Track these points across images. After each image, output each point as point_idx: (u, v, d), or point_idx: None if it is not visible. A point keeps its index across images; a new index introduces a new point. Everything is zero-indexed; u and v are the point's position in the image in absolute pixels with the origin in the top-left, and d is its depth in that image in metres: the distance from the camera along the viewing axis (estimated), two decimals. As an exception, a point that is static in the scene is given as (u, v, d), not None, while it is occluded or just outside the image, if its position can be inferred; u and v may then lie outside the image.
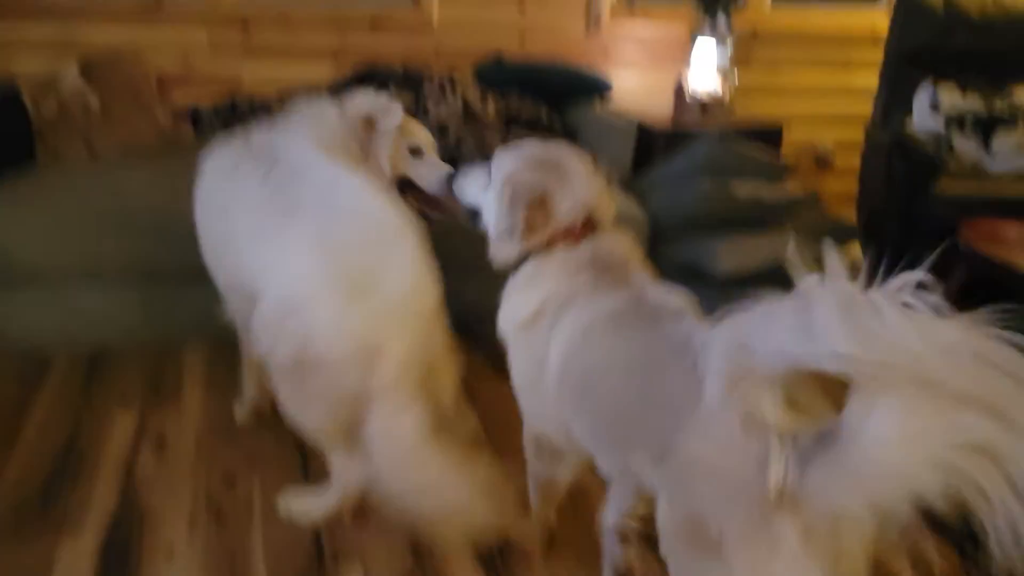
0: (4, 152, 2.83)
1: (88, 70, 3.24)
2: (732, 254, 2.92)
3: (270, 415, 2.39)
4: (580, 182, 1.59)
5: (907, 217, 3.34)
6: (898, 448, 0.92)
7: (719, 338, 1.08)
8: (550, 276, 1.58)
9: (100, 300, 2.67)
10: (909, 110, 3.75)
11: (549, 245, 1.59)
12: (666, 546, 1.24)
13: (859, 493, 0.98)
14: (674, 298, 1.49)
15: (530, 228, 1.58)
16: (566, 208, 1.58)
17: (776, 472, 1.02)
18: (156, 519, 1.95)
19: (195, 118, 3.43)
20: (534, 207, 1.58)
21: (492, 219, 1.66)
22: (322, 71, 3.61)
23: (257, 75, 3.63)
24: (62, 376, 2.53)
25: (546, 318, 1.56)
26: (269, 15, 3.58)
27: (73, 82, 3.15)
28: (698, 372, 1.17)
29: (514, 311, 1.65)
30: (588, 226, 1.59)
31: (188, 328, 2.76)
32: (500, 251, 1.66)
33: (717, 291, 2.96)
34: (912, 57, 3.80)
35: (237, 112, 3.44)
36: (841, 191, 4.34)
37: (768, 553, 1.06)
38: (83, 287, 2.65)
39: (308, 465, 2.19)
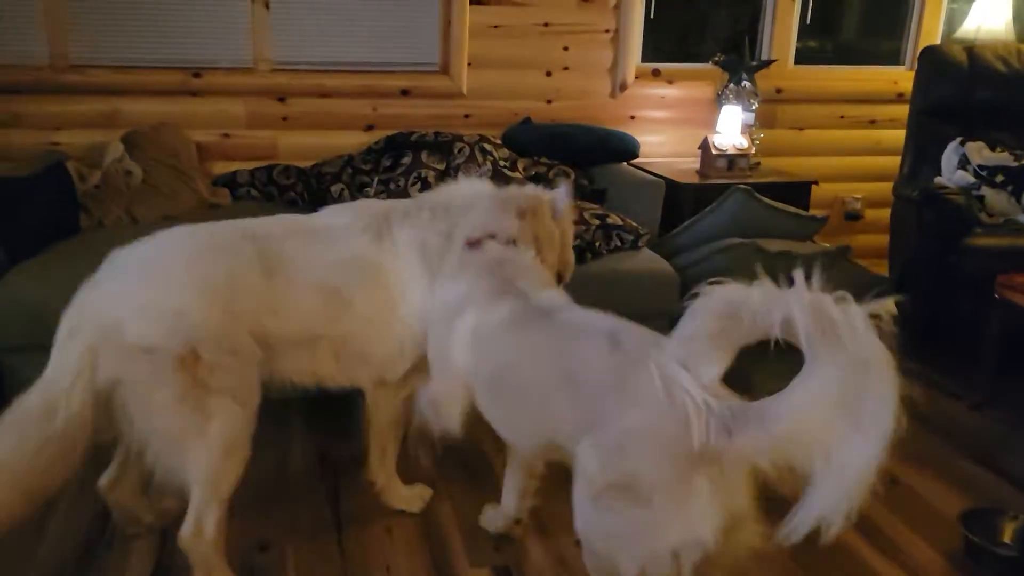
0: (50, 221, 2.92)
1: (131, 141, 3.36)
2: (764, 310, 2.91)
3: (304, 480, 2.40)
4: (487, 213, 2.01)
5: (940, 270, 3.31)
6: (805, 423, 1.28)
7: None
8: (453, 274, 1.95)
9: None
10: (937, 165, 3.75)
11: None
12: (594, 503, 1.49)
13: (771, 452, 1.32)
14: (556, 296, 1.82)
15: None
16: (469, 227, 2.01)
17: (698, 432, 1.33)
18: (191, 583, 1.96)
19: (233, 185, 3.53)
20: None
21: None
22: (356, 138, 3.72)
23: (293, 143, 3.74)
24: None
25: (447, 316, 1.87)
26: (304, 87, 3.70)
27: (116, 154, 3.27)
28: (620, 353, 1.50)
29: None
30: (482, 240, 1.96)
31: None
32: None
33: (751, 345, 2.94)
34: (938, 112, 3.82)
35: (273, 179, 3.54)
36: (872, 245, 4.32)
37: (686, 498, 1.37)
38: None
39: (342, 530, 2.19)
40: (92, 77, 3.50)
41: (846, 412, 1.26)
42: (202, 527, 1.82)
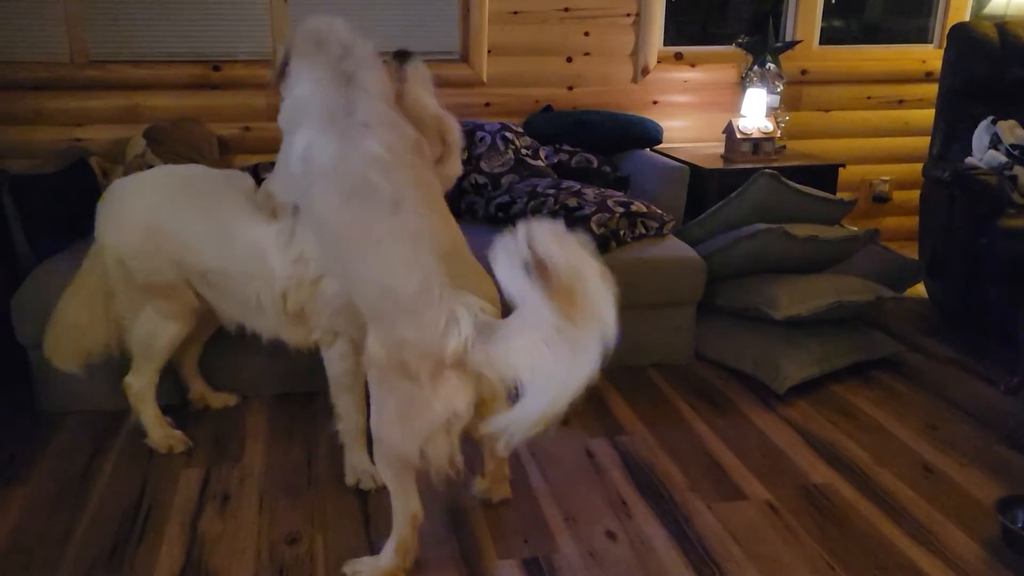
0: (72, 216, 2.93)
1: (153, 136, 3.37)
2: (791, 297, 2.86)
3: (332, 473, 2.40)
4: None
5: (971, 253, 3.25)
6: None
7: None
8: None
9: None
10: (967, 145, 3.67)
11: None
12: (378, 373, 1.83)
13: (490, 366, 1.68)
14: (379, 135, 1.96)
15: None
16: None
17: (454, 348, 1.69)
18: (221, 577, 1.97)
19: (255, 178, 3.52)
20: None
21: None
22: (375, 129, 3.70)
23: (313, 135, 3.72)
24: (129, 435, 2.58)
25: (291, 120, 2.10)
26: (323, 77, 3.68)
27: (139, 149, 3.28)
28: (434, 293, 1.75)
29: None
30: None
31: (250, 385, 2.81)
32: None
33: (781, 333, 2.90)
34: (968, 91, 3.74)
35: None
36: (901, 228, 4.26)
37: (443, 382, 1.74)
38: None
39: (370, 522, 2.18)
40: (112, 73, 3.51)
41: (552, 340, 1.53)
42: (132, 383, 2.49)
